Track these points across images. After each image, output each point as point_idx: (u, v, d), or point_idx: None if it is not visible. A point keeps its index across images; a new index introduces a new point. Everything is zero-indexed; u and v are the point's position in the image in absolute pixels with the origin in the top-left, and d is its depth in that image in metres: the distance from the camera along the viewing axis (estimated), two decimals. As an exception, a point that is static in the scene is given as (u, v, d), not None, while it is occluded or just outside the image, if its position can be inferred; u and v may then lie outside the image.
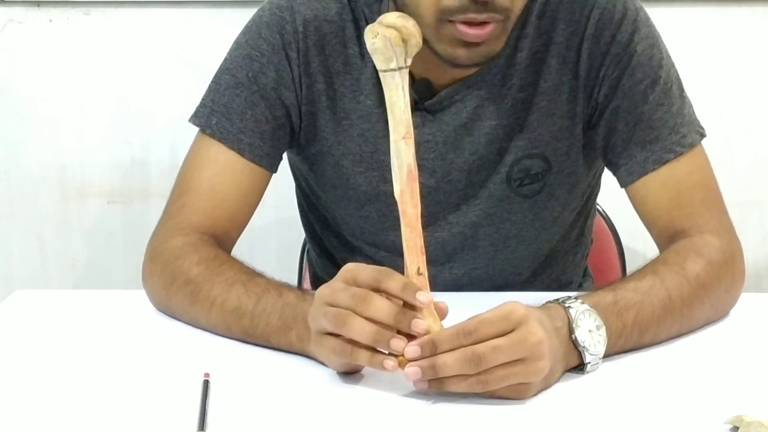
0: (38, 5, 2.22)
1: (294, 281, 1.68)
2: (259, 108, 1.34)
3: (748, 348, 1.18)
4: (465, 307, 1.07)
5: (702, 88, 2.23)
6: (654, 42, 1.32)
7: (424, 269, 1.03)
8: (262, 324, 1.15)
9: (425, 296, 1.01)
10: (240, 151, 1.33)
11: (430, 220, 1.37)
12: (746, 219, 2.28)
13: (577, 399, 1.03)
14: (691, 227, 1.27)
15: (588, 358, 1.08)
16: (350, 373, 1.08)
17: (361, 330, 1.00)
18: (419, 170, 1.33)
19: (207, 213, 1.31)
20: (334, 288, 1.03)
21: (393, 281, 1.01)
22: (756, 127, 2.28)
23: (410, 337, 1.00)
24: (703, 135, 1.33)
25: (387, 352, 1.01)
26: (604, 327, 1.09)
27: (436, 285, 1.38)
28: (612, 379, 1.08)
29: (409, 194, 1.03)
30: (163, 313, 1.27)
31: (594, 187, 1.48)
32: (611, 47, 1.30)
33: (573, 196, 1.40)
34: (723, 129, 2.24)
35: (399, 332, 1.01)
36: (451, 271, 1.41)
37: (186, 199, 1.33)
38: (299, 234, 1.64)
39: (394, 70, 1.03)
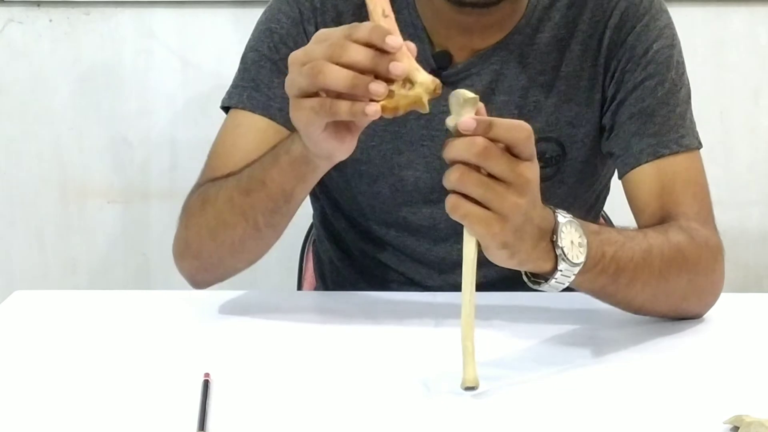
0: (38, 5, 2.22)
1: (294, 281, 1.68)
2: (285, 76, 1.34)
3: (749, 348, 1.18)
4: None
5: (702, 87, 2.23)
6: (672, 43, 1.34)
7: (389, 11, 0.99)
8: (257, 170, 1.18)
9: (394, 40, 0.97)
10: (272, 117, 1.33)
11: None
12: (746, 219, 2.28)
13: (577, 398, 1.03)
14: (679, 214, 1.27)
15: (562, 266, 1.03)
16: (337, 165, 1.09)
17: (338, 76, 0.97)
18: (433, 141, 1.33)
19: (230, 167, 1.29)
20: (307, 48, 1.02)
21: (361, 28, 0.98)
22: (757, 127, 2.28)
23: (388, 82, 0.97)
24: (701, 145, 1.34)
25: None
26: (586, 246, 1.06)
27: (452, 267, 1.38)
28: (612, 379, 1.08)
29: None
30: (195, 258, 1.28)
31: (605, 188, 1.48)
32: (629, 38, 1.33)
33: (584, 188, 1.41)
34: (724, 129, 2.24)
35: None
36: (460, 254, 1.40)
37: (213, 163, 1.33)
38: (299, 234, 1.64)
39: None
